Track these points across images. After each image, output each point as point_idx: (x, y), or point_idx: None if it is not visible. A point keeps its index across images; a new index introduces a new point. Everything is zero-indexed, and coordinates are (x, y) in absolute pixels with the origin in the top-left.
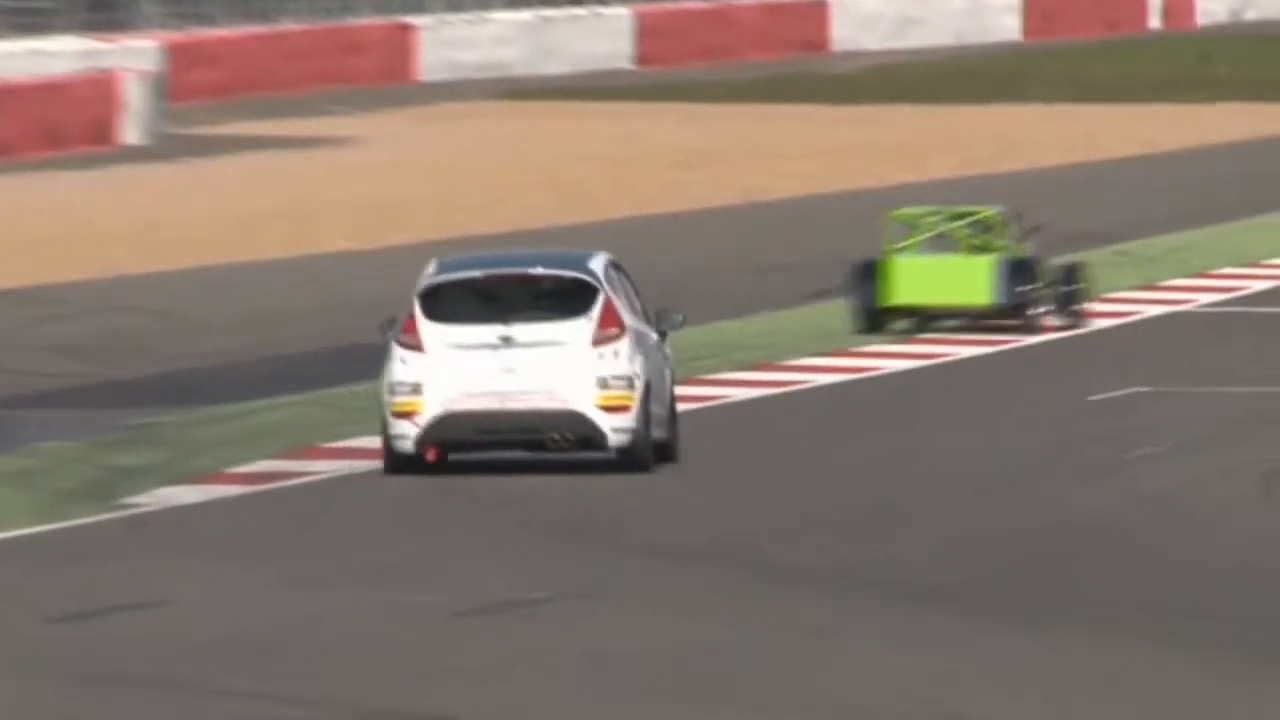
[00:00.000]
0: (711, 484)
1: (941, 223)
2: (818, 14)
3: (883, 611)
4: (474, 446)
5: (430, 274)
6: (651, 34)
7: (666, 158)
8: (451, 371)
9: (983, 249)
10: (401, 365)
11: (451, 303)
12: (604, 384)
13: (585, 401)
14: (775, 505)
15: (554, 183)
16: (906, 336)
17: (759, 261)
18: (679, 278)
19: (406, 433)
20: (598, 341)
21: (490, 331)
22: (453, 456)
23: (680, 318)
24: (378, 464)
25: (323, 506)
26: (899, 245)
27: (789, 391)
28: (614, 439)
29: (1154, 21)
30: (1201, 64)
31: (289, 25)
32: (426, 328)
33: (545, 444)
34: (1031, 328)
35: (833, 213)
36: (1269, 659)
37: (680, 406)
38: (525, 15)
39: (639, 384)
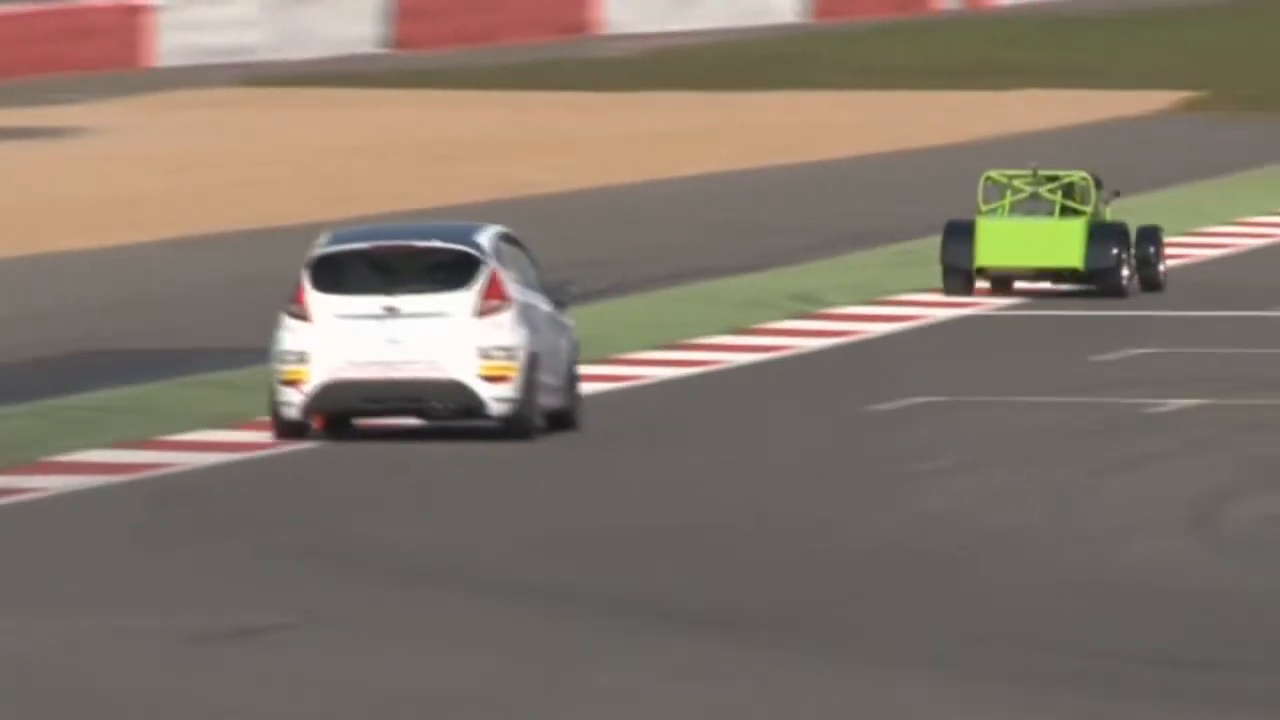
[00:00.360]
0: (464, 507)
1: (1033, 185)
2: None
3: (645, 638)
4: (358, 415)
5: (320, 245)
6: (406, 16)
7: (425, 149)
8: (337, 341)
9: (1072, 212)
10: (289, 334)
11: (339, 274)
12: (485, 354)
13: (466, 371)
14: (531, 526)
15: (303, 176)
16: (665, 343)
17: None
18: None
19: (293, 400)
20: (480, 313)
21: (375, 302)
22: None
23: (576, 289)
24: (107, 480)
25: (48, 526)
26: (991, 207)
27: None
28: (495, 408)
29: (951, 2)
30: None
31: (10, 6)
32: (314, 298)
33: (428, 413)
34: (1119, 291)
35: (602, 208)
36: (1059, 686)
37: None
38: None
39: (521, 355)
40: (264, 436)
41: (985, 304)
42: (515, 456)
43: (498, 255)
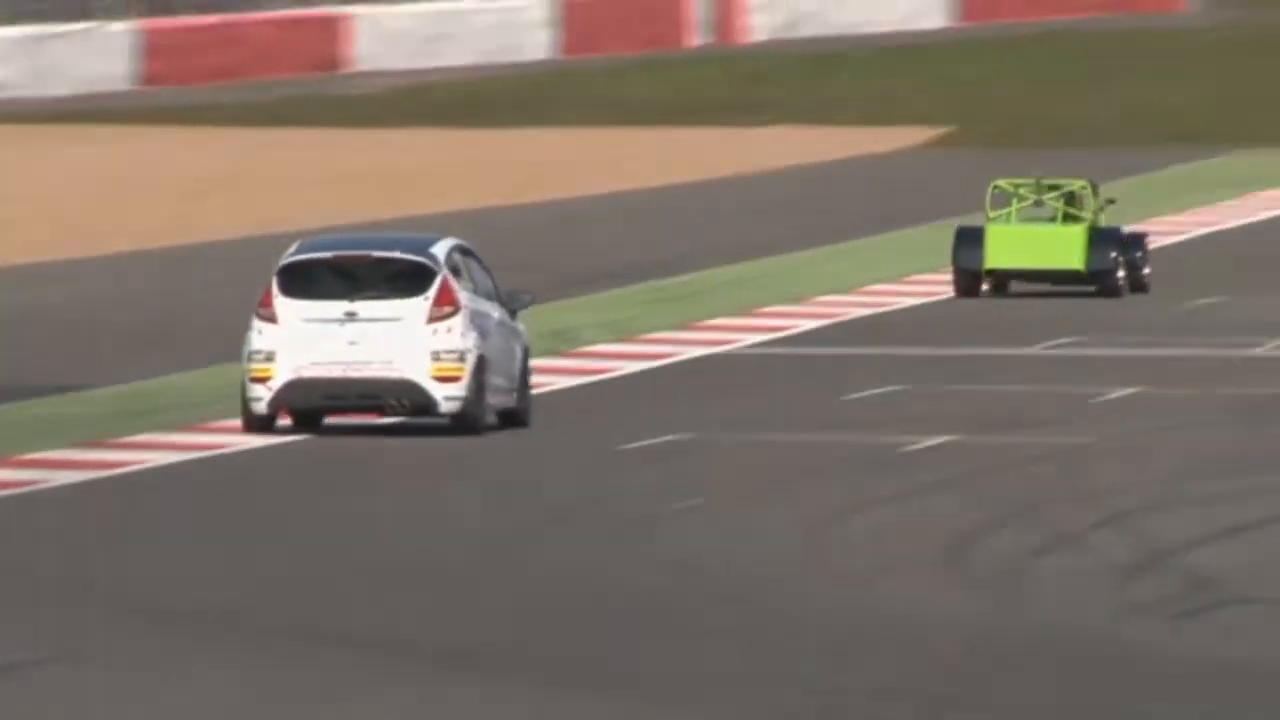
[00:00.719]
0: (218, 540)
1: (1036, 193)
2: (338, 30)
3: (385, 677)
4: (321, 410)
5: (289, 253)
6: (157, 52)
7: (174, 186)
8: (301, 342)
9: (1072, 219)
10: (258, 335)
11: (304, 280)
12: (437, 356)
13: (420, 372)
14: (276, 565)
15: (47, 215)
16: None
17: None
18: (184, 317)
19: (261, 395)
20: (432, 319)
21: (337, 307)
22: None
23: (529, 297)
24: None
25: None
26: (998, 213)
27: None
28: (445, 405)
29: (700, 37)
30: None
31: None
32: (281, 302)
33: (384, 409)
34: (1115, 291)
35: None
36: None
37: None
38: (18, 31)
39: (470, 358)
40: (14, 475)
41: (738, 341)
42: (266, 493)
43: (451, 266)
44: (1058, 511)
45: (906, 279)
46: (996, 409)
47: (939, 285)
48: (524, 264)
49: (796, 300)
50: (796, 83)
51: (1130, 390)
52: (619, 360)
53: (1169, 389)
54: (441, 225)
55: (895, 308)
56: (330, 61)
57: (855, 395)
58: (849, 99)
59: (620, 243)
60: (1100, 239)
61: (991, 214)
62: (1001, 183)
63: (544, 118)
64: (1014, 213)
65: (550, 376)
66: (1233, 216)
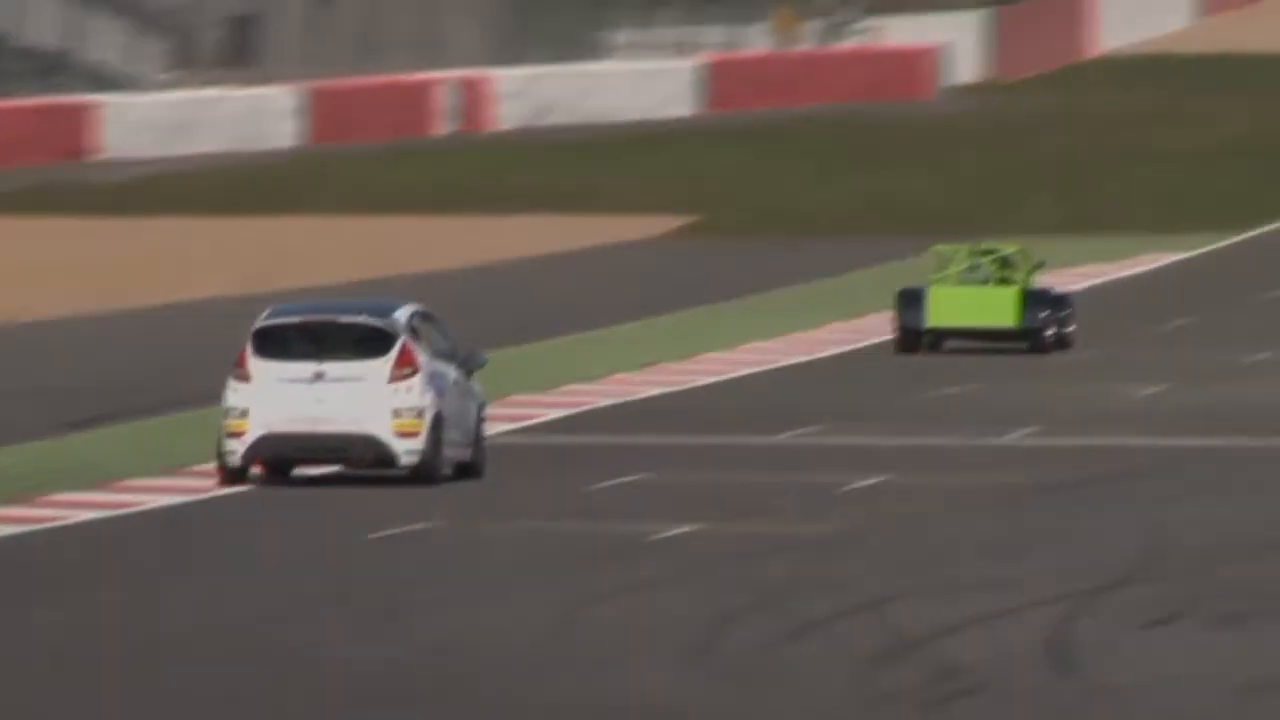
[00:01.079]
0: None
1: (972, 257)
2: (85, 118)
3: None
4: (291, 463)
5: (262, 318)
6: None
7: None
8: (273, 399)
9: (1006, 281)
10: (234, 393)
11: (276, 343)
12: (397, 414)
13: (381, 427)
14: None
15: None
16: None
17: (12, 386)
18: None
19: (236, 449)
20: (393, 379)
21: (306, 368)
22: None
23: (484, 358)
24: None
25: None
26: (939, 275)
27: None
28: (405, 459)
29: (449, 126)
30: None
31: None
32: (254, 363)
33: (347, 462)
34: (1044, 349)
35: (93, 334)
36: None
37: None
38: None
39: (428, 415)
40: None
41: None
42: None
43: (411, 329)
44: (803, 601)
45: (651, 367)
46: (741, 498)
47: (684, 375)
48: None
49: (542, 389)
50: (545, 171)
51: (876, 479)
52: None
53: (916, 477)
54: (190, 311)
55: (641, 396)
56: (77, 149)
57: (601, 484)
58: (597, 188)
59: None
60: (1032, 299)
61: (933, 276)
62: (941, 247)
63: (291, 206)
64: (953, 275)
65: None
66: None
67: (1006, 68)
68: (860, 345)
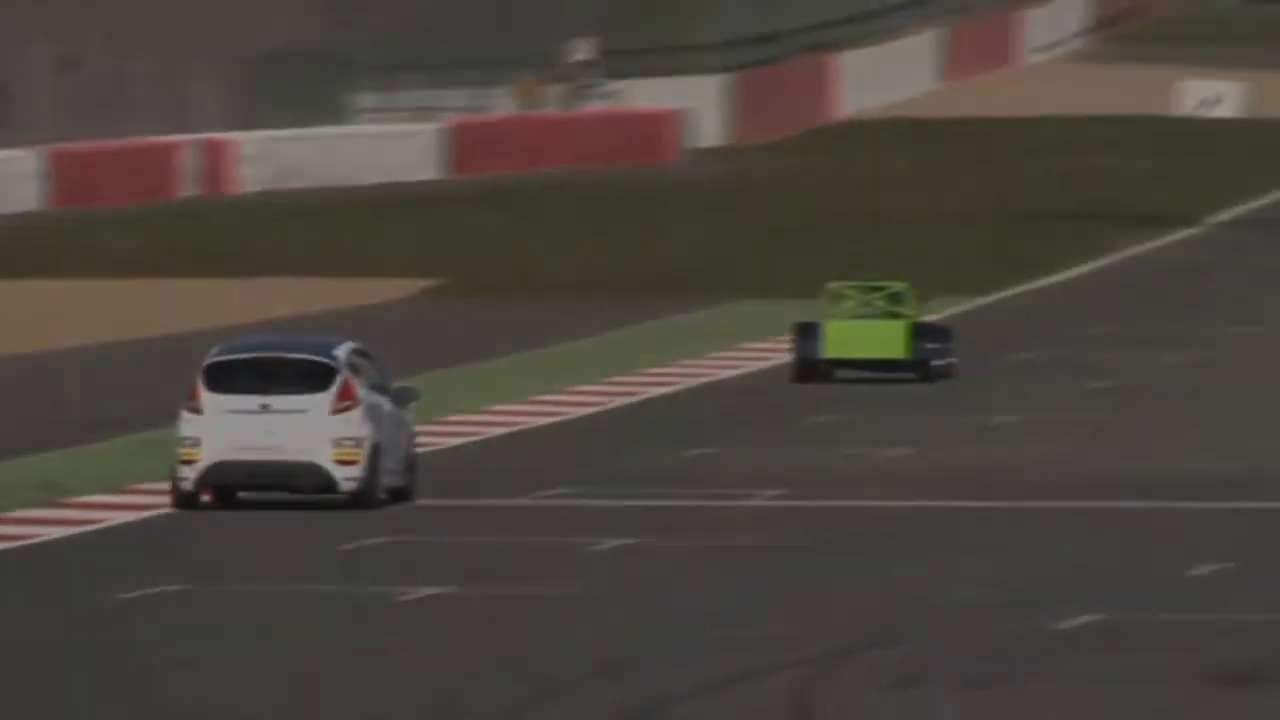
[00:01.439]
0: None
1: (864, 294)
2: None
3: None
4: (240, 489)
5: (212, 354)
6: None
7: None
8: (223, 430)
9: (895, 315)
10: (186, 424)
11: (225, 377)
12: (338, 443)
13: (323, 456)
14: None
15: None
16: None
17: None
18: None
19: (187, 475)
20: (334, 411)
21: (253, 400)
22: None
23: (416, 393)
24: None
25: None
26: (834, 311)
27: None
28: (345, 485)
29: (191, 189)
30: None
31: None
32: (206, 396)
33: (292, 488)
34: (929, 378)
35: None
36: None
37: None
38: None
39: (367, 444)
40: None
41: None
42: None
43: (351, 365)
44: (546, 663)
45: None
46: (490, 559)
47: (431, 437)
48: (7, 417)
49: None
50: (288, 234)
51: (626, 540)
52: (109, 511)
53: (663, 539)
54: None
55: None
56: None
57: (350, 545)
58: (341, 250)
59: (108, 393)
60: (919, 332)
61: (829, 311)
62: (835, 285)
63: (34, 269)
64: (847, 310)
65: (39, 528)
66: (723, 368)
67: (750, 131)
68: (608, 408)
